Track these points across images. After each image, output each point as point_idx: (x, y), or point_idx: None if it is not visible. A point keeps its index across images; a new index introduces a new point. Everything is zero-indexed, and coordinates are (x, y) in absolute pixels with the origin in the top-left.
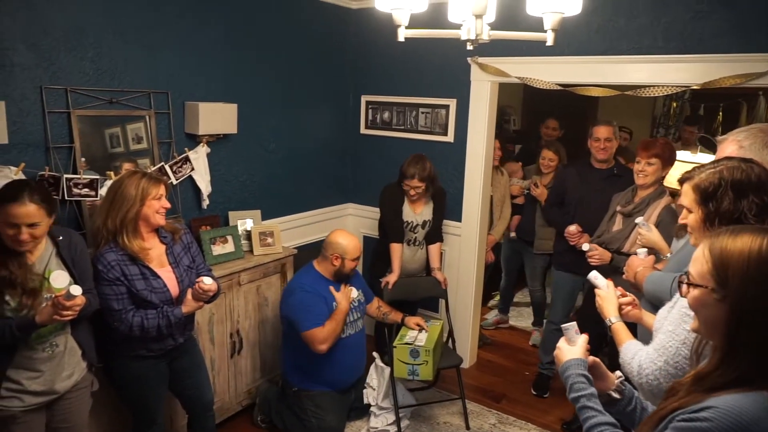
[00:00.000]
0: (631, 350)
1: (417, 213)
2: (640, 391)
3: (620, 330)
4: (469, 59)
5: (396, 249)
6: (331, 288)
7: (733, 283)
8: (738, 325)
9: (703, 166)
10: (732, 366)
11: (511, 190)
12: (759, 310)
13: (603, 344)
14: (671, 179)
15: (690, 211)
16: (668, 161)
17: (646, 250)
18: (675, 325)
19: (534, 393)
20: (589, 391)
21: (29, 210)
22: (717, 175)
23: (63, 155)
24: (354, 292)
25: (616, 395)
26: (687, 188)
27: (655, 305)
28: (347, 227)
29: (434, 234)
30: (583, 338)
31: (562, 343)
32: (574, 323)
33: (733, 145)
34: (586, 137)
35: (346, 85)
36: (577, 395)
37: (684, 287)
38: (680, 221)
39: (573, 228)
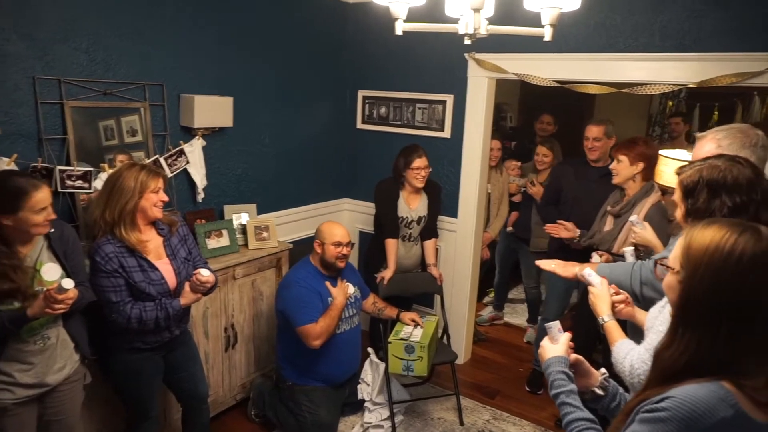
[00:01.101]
0: (623, 349)
1: (412, 209)
2: (632, 390)
3: (613, 329)
4: (466, 55)
5: (391, 244)
6: (328, 284)
7: (688, 266)
8: (684, 305)
9: (692, 162)
10: (680, 347)
11: (509, 188)
12: (703, 295)
13: (597, 342)
14: (666, 177)
15: (678, 206)
16: (636, 157)
17: (632, 249)
18: (666, 324)
19: (528, 389)
20: (569, 387)
21: (47, 191)
22: (698, 173)
23: (56, 147)
24: (351, 288)
25: (599, 392)
26: (676, 183)
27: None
28: (342, 222)
29: (429, 230)
30: (566, 336)
31: (545, 341)
32: (557, 322)
33: (711, 143)
34: (583, 135)
35: (342, 79)
36: (557, 392)
37: (658, 268)
38: (672, 216)
39: (569, 226)
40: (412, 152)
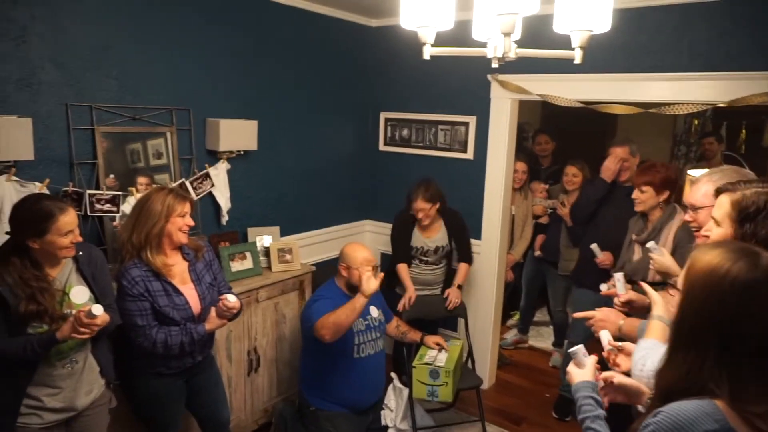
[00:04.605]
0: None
1: (430, 239)
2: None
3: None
4: (489, 76)
5: (402, 268)
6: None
7: (685, 287)
8: (679, 325)
9: (749, 181)
10: (675, 367)
11: (535, 210)
12: (694, 316)
13: None
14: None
15: (718, 225)
16: (662, 186)
17: (621, 274)
18: None
19: (555, 416)
20: (596, 413)
21: (73, 214)
22: (764, 196)
23: (86, 171)
24: (375, 311)
25: (642, 410)
26: (725, 200)
27: None
28: (365, 243)
29: (462, 255)
30: (592, 360)
31: (571, 366)
32: (581, 346)
33: (708, 185)
34: (605, 155)
35: (365, 102)
36: (584, 416)
37: (671, 292)
38: (703, 232)
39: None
40: (414, 192)
